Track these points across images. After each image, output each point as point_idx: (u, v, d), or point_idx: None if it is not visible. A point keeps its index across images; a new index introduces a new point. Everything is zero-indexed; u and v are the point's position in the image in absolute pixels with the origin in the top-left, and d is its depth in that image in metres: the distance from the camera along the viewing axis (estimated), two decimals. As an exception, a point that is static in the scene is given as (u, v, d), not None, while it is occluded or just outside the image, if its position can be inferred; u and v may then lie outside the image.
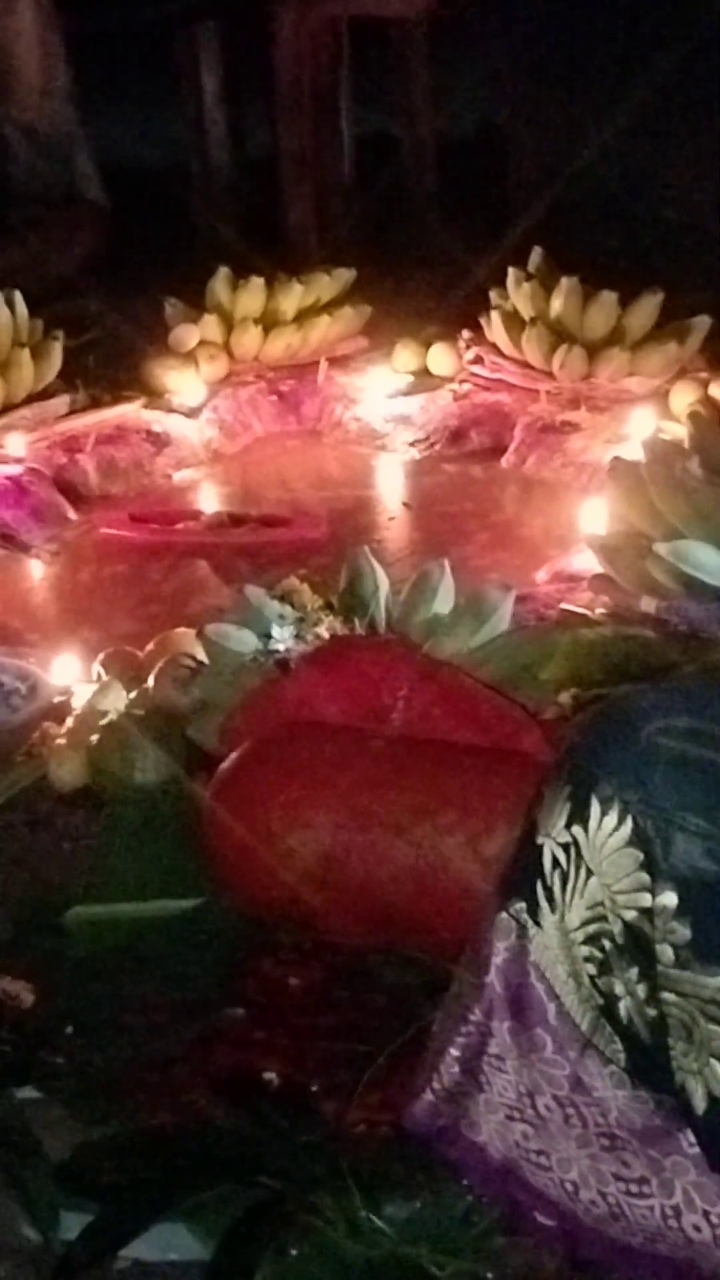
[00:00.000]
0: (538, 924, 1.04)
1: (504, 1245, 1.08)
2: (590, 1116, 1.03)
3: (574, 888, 1.01)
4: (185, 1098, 1.22)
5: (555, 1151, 1.05)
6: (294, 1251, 1.08)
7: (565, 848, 1.01)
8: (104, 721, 1.70)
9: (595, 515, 2.10)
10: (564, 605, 1.94)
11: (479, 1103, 1.09)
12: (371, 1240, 1.07)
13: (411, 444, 2.73)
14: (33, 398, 2.67)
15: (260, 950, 1.38)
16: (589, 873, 1.00)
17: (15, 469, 2.52)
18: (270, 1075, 1.23)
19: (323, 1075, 1.22)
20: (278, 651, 1.61)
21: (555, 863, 1.02)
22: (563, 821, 1.02)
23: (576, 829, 1.00)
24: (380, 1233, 1.08)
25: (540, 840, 1.03)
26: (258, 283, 2.85)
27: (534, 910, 1.04)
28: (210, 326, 2.82)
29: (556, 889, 1.02)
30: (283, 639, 1.61)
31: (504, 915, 1.06)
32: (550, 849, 1.02)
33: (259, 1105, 1.19)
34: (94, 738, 1.68)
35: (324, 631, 1.62)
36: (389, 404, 2.78)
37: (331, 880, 1.39)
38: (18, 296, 2.72)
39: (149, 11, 3.78)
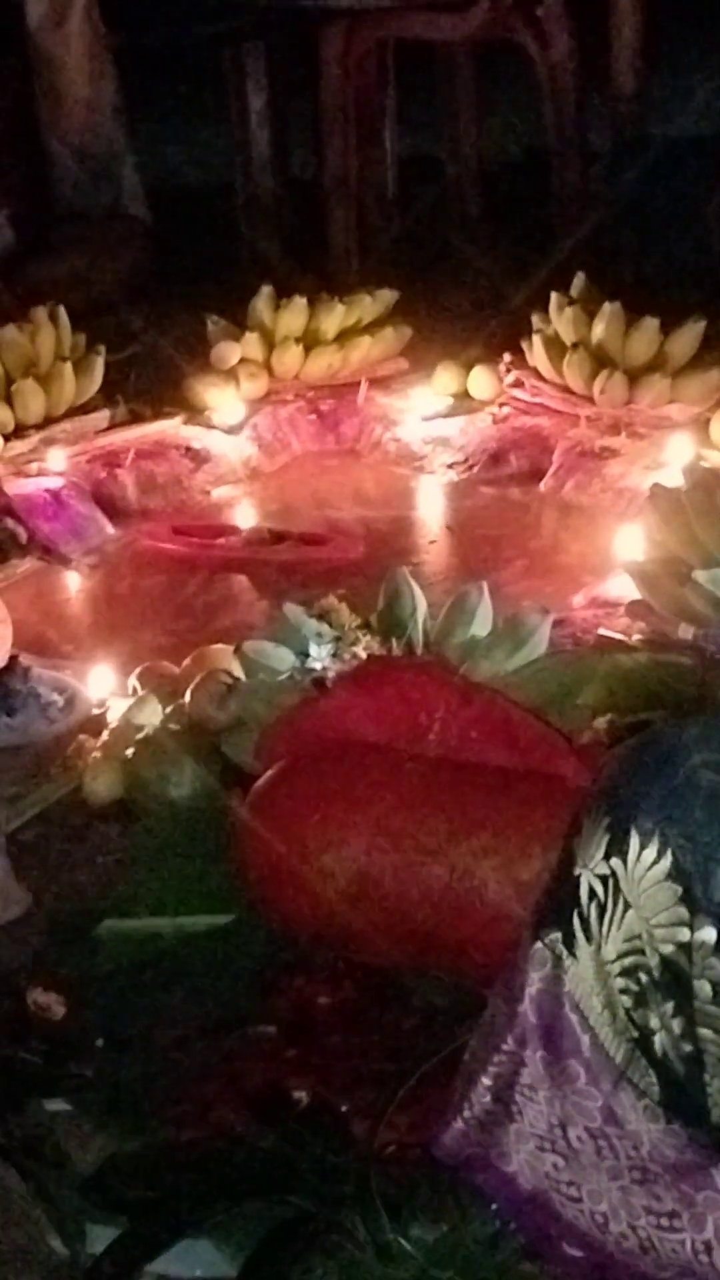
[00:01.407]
0: (573, 955, 1.04)
1: (531, 1271, 1.08)
2: (622, 1149, 1.03)
3: (611, 920, 1.01)
4: (215, 1114, 1.22)
5: (586, 1183, 1.05)
6: (320, 1271, 1.08)
7: (603, 879, 1.01)
8: (140, 736, 1.71)
9: (633, 541, 2.10)
10: (601, 630, 1.93)
11: (510, 1132, 1.09)
12: (398, 1262, 1.08)
13: (450, 466, 2.73)
14: (73, 412, 2.68)
15: (292, 968, 1.39)
16: (627, 905, 1.00)
17: (55, 483, 2.54)
18: (300, 1094, 1.23)
19: (353, 1095, 1.22)
20: (315, 670, 1.62)
21: (592, 894, 1.02)
22: (601, 853, 1.02)
23: (615, 861, 1.00)
24: (407, 1255, 1.08)
25: (577, 871, 1.03)
26: (300, 302, 2.86)
27: (570, 941, 1.04)
28: (251, 345, 2.83)
29: (593, 920, 1.02)
30: (320, 657, 1.62)
31: (539, 945, 1.06)
32: (588, 880, 1.02)
33: (288, 1123, 1.19)
34: (129, 751, 1.69)
35: (361, 651, 1.62)
36: (428, 426, 2.78)
37: (364, 900, 1.39)
38: (61, 311, 2.75)
39: (196, 30, 3.81)
